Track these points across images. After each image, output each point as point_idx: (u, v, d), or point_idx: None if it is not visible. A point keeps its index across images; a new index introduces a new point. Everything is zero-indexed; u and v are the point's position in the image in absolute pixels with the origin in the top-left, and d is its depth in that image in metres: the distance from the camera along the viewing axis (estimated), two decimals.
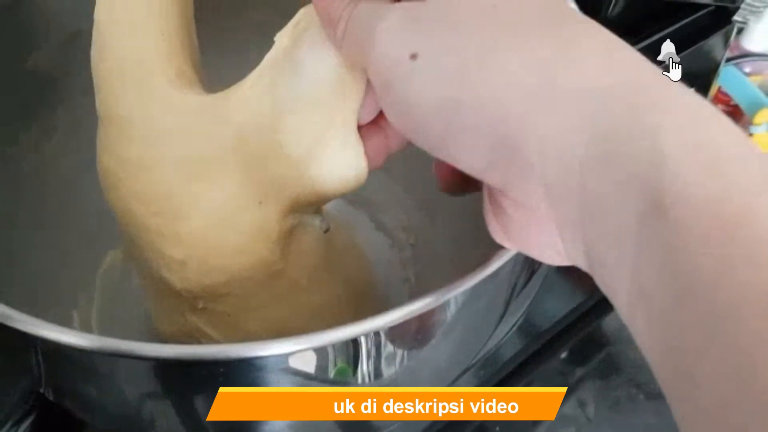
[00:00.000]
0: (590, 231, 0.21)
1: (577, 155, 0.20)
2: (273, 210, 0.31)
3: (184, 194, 0.30)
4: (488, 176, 0.23)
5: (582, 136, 0.20)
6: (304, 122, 0.29)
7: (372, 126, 0.30)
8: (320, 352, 0.27)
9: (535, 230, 0.24)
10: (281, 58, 0.29)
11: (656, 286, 0.19)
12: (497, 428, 0.50)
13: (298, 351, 0.26)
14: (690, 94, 0.21)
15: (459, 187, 0.29)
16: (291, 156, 0.29)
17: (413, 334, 0.30)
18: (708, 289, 0.17)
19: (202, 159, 0.30)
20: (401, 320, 0.26)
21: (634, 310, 0.20)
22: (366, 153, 0.30)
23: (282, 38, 0.29)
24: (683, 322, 0.18)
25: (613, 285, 0.21)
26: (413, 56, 0.23)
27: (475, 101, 0.22)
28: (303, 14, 0.29)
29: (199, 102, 0.31)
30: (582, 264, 0.22)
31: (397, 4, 0.24)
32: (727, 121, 0.20)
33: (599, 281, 0.22)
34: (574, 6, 0.38)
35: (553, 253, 0.24)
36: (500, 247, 0.28)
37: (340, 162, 0.29)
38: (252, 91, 0.30)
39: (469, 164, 0.23)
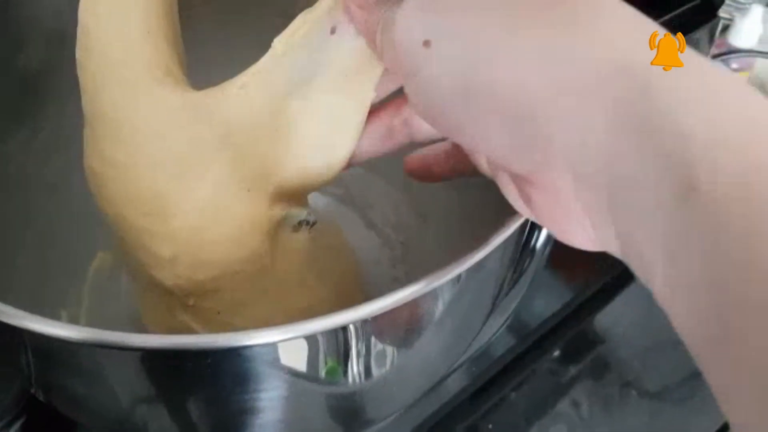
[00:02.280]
0: (620, 215, 0.20)
1: (600, 138, 0.20)
2: (262, 197, 0.31)
3: (173, 191, 0.30)
4: (511, 162, 0.23)
5: (604, 117, 0.20)
6: (297, 125, 0.29)
7: (375, 115, 0.30)
8: (310, 341, 0.27)
9: (564, 215, 0.23)
10: (276, 63, 0.29)
11: (696, 268, 0.18)
12: (489, 426, 0.50)
13: (287, 339, 0.26)
14: (709, 65, 0.20)
15: (422, 176, 0.30)
16: (279, 149, 0.29)
17: (403, 325, 0.30)
18: (750, 270, 0.17)
19: (188, 155, 0.30)
20: (390, 307, 0.26)
21: (672, 293, 0.19)
22: (364, 138, 0.30)
23: (278, 45, 0.29)
24: (724, 305, 0.17)
25: (648, 269, 0.20)
26: (426, 43, 0.23)
27: (491, 86, 0.21)
28: (301, 21, 0.29)
29: (185, 99, 0.31)
30: (615, 249, 0.22)
31: None
32: (748, 90, 0.20)
33: (633, 266, 0.21)
34: None
35: (584, 238, 0.23)
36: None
37: (323, 151, 0.29)
38: (244, 90, 0.30)
39: (490, 150, 0.23)
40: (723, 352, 0.17)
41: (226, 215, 0.31)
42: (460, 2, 0.23)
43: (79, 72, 0.32)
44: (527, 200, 0.25)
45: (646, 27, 0.21)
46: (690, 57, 0.20)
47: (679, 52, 0.20)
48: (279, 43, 0.29)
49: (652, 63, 0.20)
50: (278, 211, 0.32)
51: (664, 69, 0.19)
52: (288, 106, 0.30)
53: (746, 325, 0.17)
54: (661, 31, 0.21)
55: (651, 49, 0.20)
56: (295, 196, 0.32)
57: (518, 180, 0.25)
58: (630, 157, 0.19)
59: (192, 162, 0.30)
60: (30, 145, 0.46)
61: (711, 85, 0.19)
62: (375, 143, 0.31)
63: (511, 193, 0.26)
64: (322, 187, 0.32)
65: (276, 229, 0.33)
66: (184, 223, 0.31)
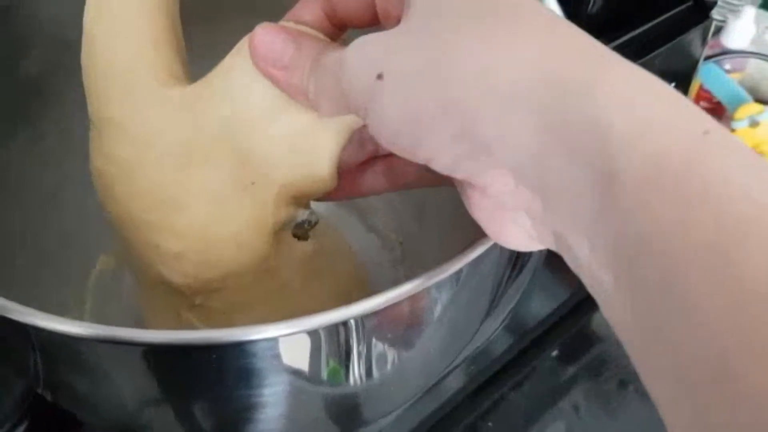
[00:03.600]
0: (552, 212, 0.22)
1: (532, 142, 0.21)
2: (266, 194, 0.31)
3: (180, 184, 0.31)
4: (457, 172, 0.24)
5: (534, 122, 0.21)
6: (280, 121, 0.30)
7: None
8: (312, 336, 0.27)
9: (507, 219, 0.25)
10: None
11: (612, 251, 0.20)
12: (489, 424, 0.50)
13: (290, 334, 0.26)
14: (626, 63, 0.22)
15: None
16: (266, 145, 0.30)
17: (403, 322, 0.31)
18: (660, 243, 0.18)
19: (193, 147, 0.31)
20: (391, 303, 0.27)
21: (596, 282, 0.21)
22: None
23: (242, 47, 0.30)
24: (640, 281, 0.19)
25: (576, 261, 0.22)
26: (379, 76, 0.24)
27: (435, 103, 0.23)
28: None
29: (184, 94, 0.31)
30: (552, 246, 0.24)
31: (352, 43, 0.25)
32: (663, 86, 0.21)
33: (566, 259, 0.23)
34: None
35: (526, 239, 0.25)
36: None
37: (308, 152, 0.30)
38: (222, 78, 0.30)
39: (440, 164, 0.24)
40: (638, 338, 0.19)
41: (232, 211, 0.31)
42: (407, 30, 0.24)
43: (85, 78, 0.32)
44: (470, 202, 0.26)
45: (567, 30, 0.23)
46: (604, 57, 0.22)
47: (593, 55, 0.22)
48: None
49: (572, 68, 0.21)
50: (282, 211, 0.32)
51: (582, 71, 0.21)
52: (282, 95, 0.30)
53: (649, 302, 0.19)
54: (578, 33, 0.23)
55: (571, 53, 0.22)
56: (297, 197, 0.32)
57: (465, 185, 0.26)
58: (557, 157, 0.21)
59: (197, 154, 0.31)
60: (31, 151, 0.46)
61: (624, 80, 0.21)
62: (351, 153, 0.32)
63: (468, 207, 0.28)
64: (321, 192, 0.32)
65: (281, 232, 0.33)
66: (192, 217, 0.31)
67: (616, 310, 0.20)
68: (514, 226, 0.25)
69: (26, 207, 0.46)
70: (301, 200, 0.33)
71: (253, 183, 0.31)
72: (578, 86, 0.21)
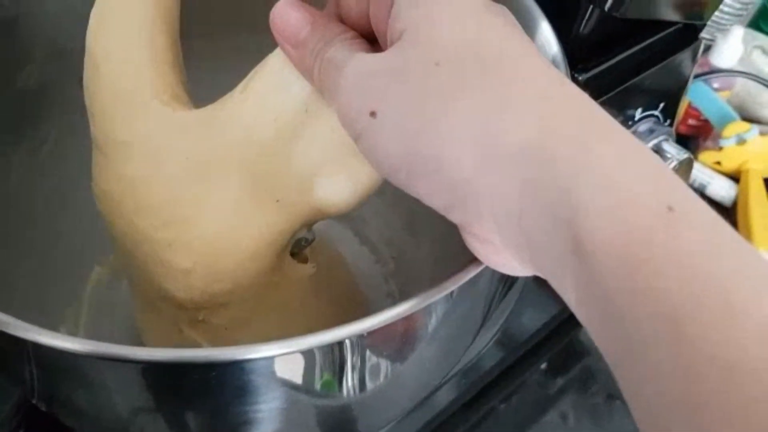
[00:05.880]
0: (536, 264, 0.24)
1: (514, 207, 0.23)
2: (286, 210, 0.31)
3: (194, 199, 0.31)
4: (449, 215, 0.25)
5: (516, 188, 0.22)
6: (308, 141, 0.30)
7: None
8: (307, 356, 0.28)
9: (497, 255, 0.27)
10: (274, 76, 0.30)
11: (585, 306, 0.22)
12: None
13: (285, 354, 0.27)
14: (615, 134, 0.22)
15: None
16: (293, 164, 0.30)
17: (396, 340, 0.31)
18: (621, 320, 0.20)
19: (208, 165, 0.31)
20: (385, 323, 0.27)
21: (585, 321, 0.22)
22: None
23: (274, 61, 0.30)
24: (608, 339, 0.21)
25: (565, 297, 0.23)
26: (372, 113, 0.24)
27: (430, 156, 0.24)
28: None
29: (198, 114, 0.31)
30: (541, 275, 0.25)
31: (356, 55, 0.26)
32: (643, 162, 0.22)
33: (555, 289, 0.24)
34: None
35: (519, 267, 0.26)
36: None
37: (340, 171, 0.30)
38: (245, 95, 0.30)
39: (432, 204, 0.25)
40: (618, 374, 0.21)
41: (247, 226, 0.31)
42: (400, 76, 0.24)
43: (87, 100, 0.33)
44: (463, 234, 0.27)
45: (559, 95, 0.23)
46: (589, 126, 0.22)
47: (579, 123, 0.22)
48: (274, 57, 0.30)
49: (555, 138, 0.22)
50: (298, 226, 0.32)
51: (564, 143, 0.22)
52: (297, 120, 0.30)
53: (614, 359, 0.21)
54: (574, 97, 0.23)
55: (556, 122, 0.22)
56: (318, 214, 0.32)
57: (459, 226, 0.27)
58: (536, 223, 0.22)
59: (212, 172, 0.31)
60: (29, 162, 0.47)
61: (602, 158, 0.22)
62: None
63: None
64: (347, 209, 0.32)
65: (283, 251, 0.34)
66: (205, 230, 0.31)
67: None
68: (509, 262, 0.26)
69: (23, 217, 0.46)
70: (320, 215, 0.33)
71: (278, 201, 0.31)
72: (562, 165, 0.21)
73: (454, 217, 0.25)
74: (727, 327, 0.18)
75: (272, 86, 0.30)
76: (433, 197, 0.25)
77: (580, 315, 0.22)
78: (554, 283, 0.23)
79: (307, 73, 0.28)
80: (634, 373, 0.20)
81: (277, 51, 0.30)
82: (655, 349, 0.19)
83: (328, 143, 0.30)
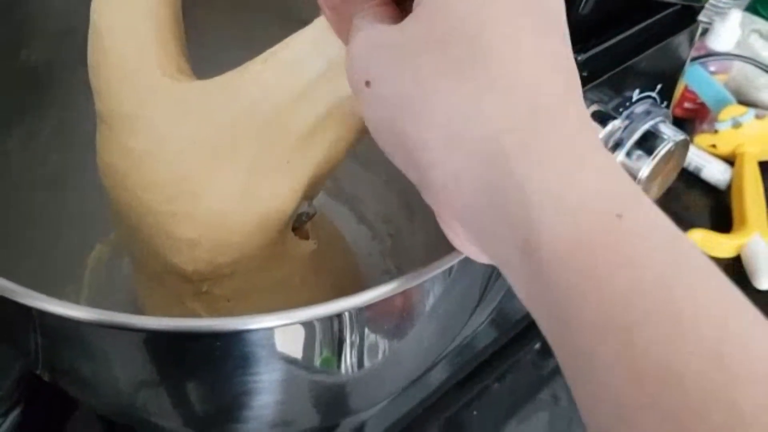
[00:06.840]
0: (490, 255, 0.24)
1: (470, 198, 0.23)
2: (296, 178, 0.32)
3: (203, 173, 0.31)
4: (423, 197, 0.26)
5: (473, 180, 0.23)
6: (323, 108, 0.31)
7: None
8: (307, 327, 0.28)
9: (462, 241, 0.27)
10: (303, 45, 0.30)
11: (537, 308, 0.22)
12: (474, 412, 0.52)
13: (286, 325, 0.27)
14: (576, 128, 0.22)
15: None
16: (307, 131, 0.31)
17: (395, 315, 0.31)
18: (568, 318, 0.20)
19: (217, 138, 0.31)
20: (383, 297, 0.28)
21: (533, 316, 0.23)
22: None
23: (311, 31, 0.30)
24: (555, 336, 0.21)
25: (514, 289, 0.24)
26: (367, 83, 0.25)
27: (404, 134, 0.24)
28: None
29: (205, 85, 0.32)
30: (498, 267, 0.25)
31: (372, 25, 0.26)
32: (601, 167, 0.22)
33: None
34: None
35: (486, 258, 0.27)
36: None
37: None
38: (265, 66, 0.31)
39: (409, 176, 0.26)
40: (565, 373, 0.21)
41: (255, 196, 0.32)
42: (399, 50, 0.24)
43: (92, 75, 0.33)
44: (441, 226, 0.28)
45: (524, 94, 0.23)
46: (548, 127, 0.22)
47: (539, 122, 0.22)
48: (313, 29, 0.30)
49: (514, 135, 0.22)
50: (302, 193, 0.33)
51: (523, 142, 0.22)
52: (314, 89, 0.30)
53: (565, 363, 0.21)
54: (536, 97, 0.23)
55: (518, 119, 0.22)
56: (326, 175, 0.33)
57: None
58: (489, 217, 0.22)
59: (222, 144, 0.31)
60: (31, 142, 0.47)
61: (555, 158, 0.22)
62: None
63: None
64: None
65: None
66: (213, 203, 0.32)
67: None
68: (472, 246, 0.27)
69: (25, 196, 0.46)
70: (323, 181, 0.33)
71: (288, 162, 0.31)
72: (516, 163, 0.22)
73: (426, 199, 0.26)
74: (672, 335, 0.18)
75: (305, 51, 0.30)
76: (409, 175, 0.25)
77: (530, 311, 0.23)
78: (507, 276, 0.23)
79: (341, 35, 0.28)
80: (579, 373, 0.20)
81: (310, 25, 0.30)
82: (599, 352, 0.19)
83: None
